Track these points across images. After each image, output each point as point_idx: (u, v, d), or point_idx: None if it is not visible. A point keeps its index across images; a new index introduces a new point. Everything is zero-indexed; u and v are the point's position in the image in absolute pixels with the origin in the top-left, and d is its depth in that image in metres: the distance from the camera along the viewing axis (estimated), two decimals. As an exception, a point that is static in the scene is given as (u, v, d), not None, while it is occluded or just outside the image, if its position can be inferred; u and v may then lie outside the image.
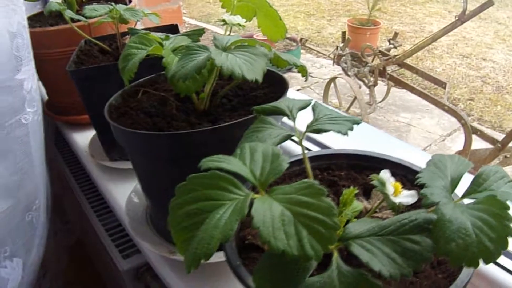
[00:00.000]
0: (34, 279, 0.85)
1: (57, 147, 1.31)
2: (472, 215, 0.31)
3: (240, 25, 0.59)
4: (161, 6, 1.47)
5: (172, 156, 0.55)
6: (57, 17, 1.05)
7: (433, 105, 3.02)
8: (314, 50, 4.41)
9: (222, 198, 0.33)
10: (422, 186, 0.35)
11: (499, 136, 2.50)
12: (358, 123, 0.45)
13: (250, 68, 0.45)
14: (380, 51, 3.56)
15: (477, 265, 0.30)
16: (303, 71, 0.56)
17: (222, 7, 0.67)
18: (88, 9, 0.84)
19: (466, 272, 0.36)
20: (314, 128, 0.44)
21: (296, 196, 0.32)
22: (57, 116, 1.10)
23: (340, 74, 3.50)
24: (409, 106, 3.72)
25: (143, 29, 0.87)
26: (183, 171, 0.36)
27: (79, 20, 0.91)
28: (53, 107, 1.12)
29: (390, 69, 3.48)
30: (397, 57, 3.31)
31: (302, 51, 4.63)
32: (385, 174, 0.36)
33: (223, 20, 0.59)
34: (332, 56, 3.65)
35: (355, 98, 3.21)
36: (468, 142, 2.59)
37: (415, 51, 3.21)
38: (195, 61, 0.47)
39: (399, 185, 0.37)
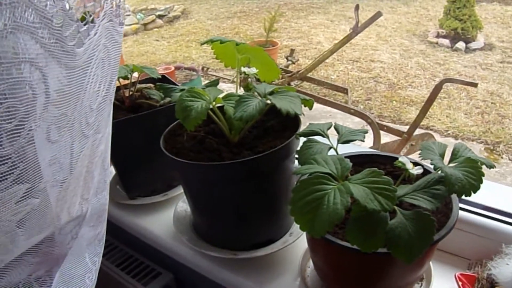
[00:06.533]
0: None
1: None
2: (461, 170, 0.60)
3: (256, 74, 0.83)
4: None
5: (230, 178, 0.78)
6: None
7: (336, 110, 3.47)
8: (215, 76, 4.73)
9: (326, 188, 0.58)
10: (416, 163, 0.63)
11: (404, 128, 2.97)
12: (366, 132, 0.72)
13: (296, 107, 0.70)
14: (281, 69, 3.97)
15: (470, 194, 0.58)
16: (309, 104, 0.82)
17: (226, 66, 0.91)
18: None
19: (454, 213, 0.65)
20: (343, 140, 0.71)
21: (367, 179, 0.58)
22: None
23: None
24: (313, 115, 4.12)
25: (133, 82, 1.07)
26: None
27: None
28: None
29: (293, 84, 3.90)
30: (300, 72, 3.73)
31: (202, 78, 4.91)
32: (403, 159, 0.64)
33: (244, 72, 0.83)
34: (235, 80, 3.97)
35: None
36: (377, 138, 3.03)
37: (316, 65, 3.64)
38: (252, 106, 0.71)
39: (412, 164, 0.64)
